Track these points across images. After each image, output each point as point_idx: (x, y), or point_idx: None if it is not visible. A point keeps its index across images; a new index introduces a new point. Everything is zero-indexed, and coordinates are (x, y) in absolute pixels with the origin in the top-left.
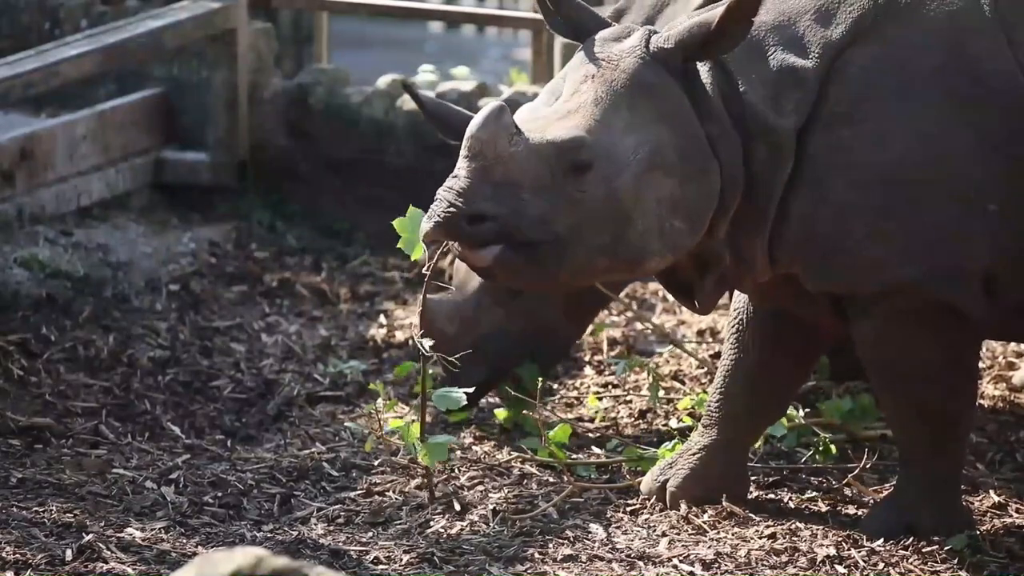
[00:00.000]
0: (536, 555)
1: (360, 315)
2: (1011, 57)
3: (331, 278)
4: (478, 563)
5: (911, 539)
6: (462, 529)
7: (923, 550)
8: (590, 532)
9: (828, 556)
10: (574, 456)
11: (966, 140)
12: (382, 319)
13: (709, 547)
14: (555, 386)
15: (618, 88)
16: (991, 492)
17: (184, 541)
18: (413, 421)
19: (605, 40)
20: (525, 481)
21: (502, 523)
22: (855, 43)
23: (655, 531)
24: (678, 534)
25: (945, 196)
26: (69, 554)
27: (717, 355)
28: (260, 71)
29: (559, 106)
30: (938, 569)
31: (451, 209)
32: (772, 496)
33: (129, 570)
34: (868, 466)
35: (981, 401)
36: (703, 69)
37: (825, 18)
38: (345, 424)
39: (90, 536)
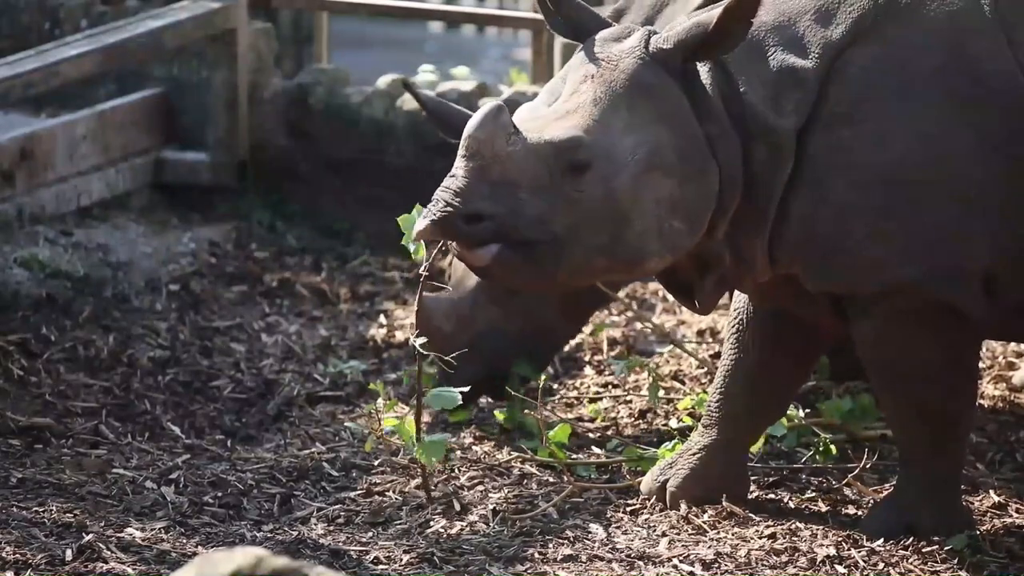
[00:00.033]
0: (536, 555)
1: (360, 315)
2: (1011, 57)
3: (331, 278)
4: (478, 563)
5: (911, 539)
6: (462, 529)
7: (923, 550)
8: (590, 532)
9: (828, 556)
10: (574, 456)
11: (966, 140)
12: (382, 319)
13: (709, 547)
14: (555, 386)
15: (617, 88)
16: (991, 492)
17: (184, 541)
18: (406, 418)
19: (605, 40)
20: (525, 481)
21: (502, 523)
22: (855, 43)
23: (655, 531)
24: (678, 534)
25: (945, 196)
26: (69, 554)
27: (717, 355)
28: (260, 71)
29: (558, 106)
30: (938, 569)
31: (448, 208)
32: (772, 496)
33: (129, 570)
34: (868, 466)
35: (981, 401)
36: (703, 69)
37: (825, 18)
38: (345, 424)
39: (90, 536)
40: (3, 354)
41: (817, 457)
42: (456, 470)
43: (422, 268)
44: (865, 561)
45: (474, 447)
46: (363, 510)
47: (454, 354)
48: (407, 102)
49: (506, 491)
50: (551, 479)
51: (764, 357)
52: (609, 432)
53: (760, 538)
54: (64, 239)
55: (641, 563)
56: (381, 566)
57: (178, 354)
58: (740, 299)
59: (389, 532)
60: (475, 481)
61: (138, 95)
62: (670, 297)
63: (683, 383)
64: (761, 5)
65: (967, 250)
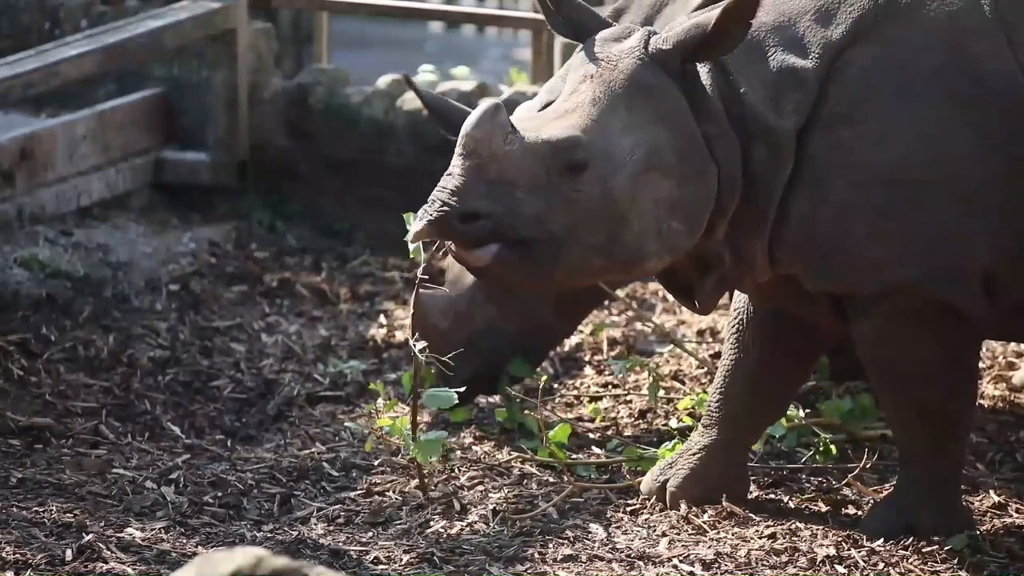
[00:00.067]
0: (536, 555)
1: (360, 315)
2: (1011, 57)
3: (331, 278)
4: (478, 563)
5: (911, 539)
6: (462, 529)
7: (923, 550)
8: (590, 532)
9: (828, 556)
10: (574, 456)
11: (966, 140)
12: (382, 319)
13: (709, 547)
14: (555, 386)
15: (616, 89)
16: (991, 492)
17: (184, 541)
18: (401, 418)
19: (605, 40)
20: (525, 481)
21: (502, 523)
22: (855, 43)
23: (655, 531)
24: (678, 534)
25: (945, 196)
26: (69, 554)
27: (717, 355)
28: (260, 71)
29: (557, 106)
30: (938, 569)
31: (444, 208)
32: (772, 496)
33: (129, 570)
34: (868, 466)
35: (981, 401)
36: (703, 70)
37: (825, 18)
38: (345, 424)
39: (90, 536)
40: (3, 354)
41: (817, 457)
42: (456, 470)
43: (420, 270)
44: (865, 561)
45: (474, 447)
46: (363, 510)
47: (451, 355)
48: (407, 102)
49: (506, 491)
50: (551, 479)
51: (764, 357)
52: (609, 432)
53: (760, 538)
54: (64, 239)
55: (641, 563)
56: (381, 566)
57: (178, 354)
58: (740, 299)
59: (389, 532)
60: (475, 481)
61: (138, 95)
62: (670, 297)
63: (683, 383)
64: (761, 6)
65: (967, 250)
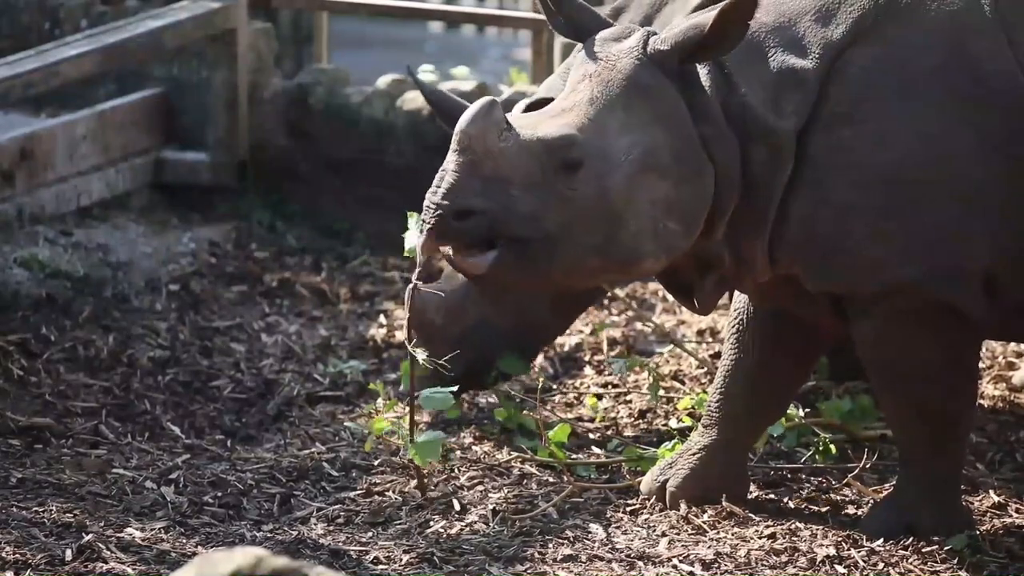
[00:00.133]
0: (536, 555)
1: (360, 315)
2: (1011, 57)
3: (331, 278)
4: (478, 563)
5: (911, 539)
6: (462, 529)
7: (923, 550)
8: (590, 532)
9: (828, 556)
10: (574, 456)
11: (967, 140)
12: (382, 319)
13: (709, 547)
14: (555, 386)
15: (614, 88)
16: (991, 492)
17: (184, 541)
18: (401, 416)
19: (605, 40)
20: (525, 481)
21: (502, 523)
22: (855, 43)
23: (655, 531)
24: (678, 534)
25: (946, 196)
26: (69, 554)
27: (717, 355)
28: (260, 71)
29: (555, 104)
30: (938, 569)
31: (439, 212)
32: (772, 496)
33: (129, 570)
34: (868, 466)
35: (981, 401)
36: (702, 71)
37: (825, 19)
38: (345, 424)
39: (90, 536)
40: (3, 354)
41: (817, 457)
42: (456, 470)
43: (415, 275)
44: (865, 561)
45: (474, 447)
46: (363, 510)
47: (447, 357)
48: (407, 102)
49: (506, 491)
50: (551, 479)
51: (764, 357)
52: (609, 432)
53: (760, 538)
54: (64, 239)
55: (641, 563)
56: (381, 566)
57: (178, 354)
58: (740, 299)
59: (389, 532)
60: (475, 481)
61: (138, 95)
62: (670, 297)
63: (683, 383)
64: (760, 6)
65: (967, 250)
